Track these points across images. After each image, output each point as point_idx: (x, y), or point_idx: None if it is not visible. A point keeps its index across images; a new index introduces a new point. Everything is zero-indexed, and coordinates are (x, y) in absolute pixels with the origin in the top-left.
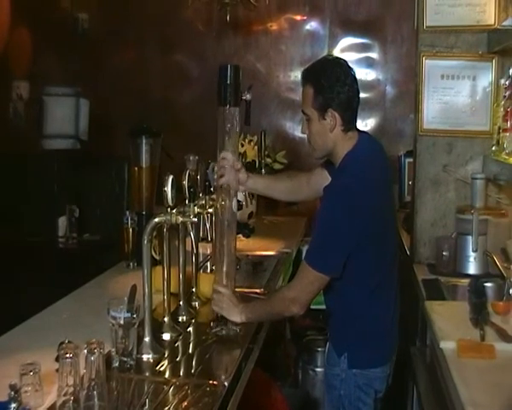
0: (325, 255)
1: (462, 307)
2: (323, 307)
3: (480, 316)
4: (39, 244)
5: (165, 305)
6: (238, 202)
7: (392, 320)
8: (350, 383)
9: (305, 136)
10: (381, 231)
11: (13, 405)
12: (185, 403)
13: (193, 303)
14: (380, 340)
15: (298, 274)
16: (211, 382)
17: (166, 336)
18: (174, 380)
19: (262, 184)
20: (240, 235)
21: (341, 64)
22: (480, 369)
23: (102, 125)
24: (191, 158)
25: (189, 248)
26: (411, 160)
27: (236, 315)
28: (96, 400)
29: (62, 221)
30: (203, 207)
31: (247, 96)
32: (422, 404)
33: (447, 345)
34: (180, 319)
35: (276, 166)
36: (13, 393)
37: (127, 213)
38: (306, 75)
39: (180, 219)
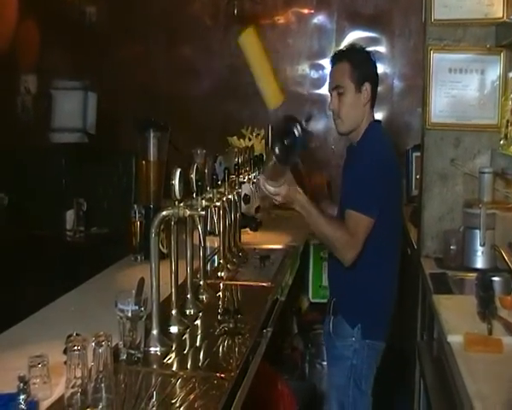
0: (366, 200)
1: (470, 301)
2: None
3: (487, 310)
4: (47, 238)
5: (173, 298)
6: (245, 195)
7: (394, 296)
8: (363, 353)
9: (331, 114)
10: (396, 207)
11: (21, 396)
12: (192, 396)
13: (200, 296)
14: (387, 313)
15: (347, 221)
16: (218, 375)
17: (174, 329)
18: (181, 373)
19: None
20: (247, 228)
21: (364, 48)
22: (487, 363)
23: (110, 118)
24: (199, 152)
25: (196, 241)
26: (419, 154)
27: (301, 201)
28: (103, 392)
29: (70, 215)
30: (211, 200)
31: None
32: (429, 397)
33: (454, 339)
34: (188, 312)
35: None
36: (21, 385)
37: (135, 206)
38: (340, 54)
39: (188, 212)
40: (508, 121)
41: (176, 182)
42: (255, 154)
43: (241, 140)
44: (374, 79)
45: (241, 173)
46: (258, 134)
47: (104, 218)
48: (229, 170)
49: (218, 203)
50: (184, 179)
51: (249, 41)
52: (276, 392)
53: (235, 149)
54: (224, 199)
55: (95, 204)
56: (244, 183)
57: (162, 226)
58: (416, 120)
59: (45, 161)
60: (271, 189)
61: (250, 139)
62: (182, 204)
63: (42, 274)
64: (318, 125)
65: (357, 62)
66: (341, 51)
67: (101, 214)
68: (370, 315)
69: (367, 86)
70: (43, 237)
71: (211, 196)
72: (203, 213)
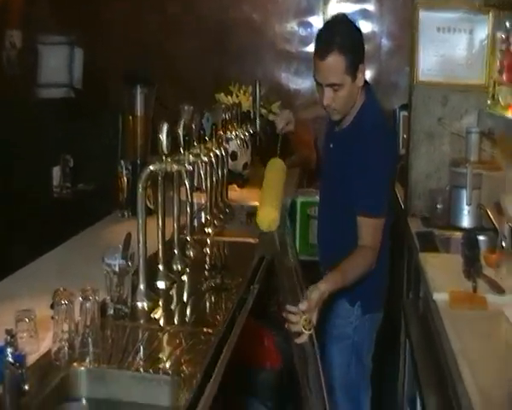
0: (380, 200)
1: (456, 260)
2: (316, 258)
3: (472, 268)
4: (33, 194)
5: (160, 253)
6: (233, 152)
7: (389, 265)
8: (363, 329)
9: (320, 102)
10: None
11: (9, 350)
12: (179, 350)
13: (187, 252)
14: (384, 283)
15: (363, 230)
16: (205, 330)
17: (161, 285)
18: (168, 328)
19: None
20: (234, 185)
21: (348, 19)
22: (472, 320)
23: (97, 74)
24: (186, 108)
25: (183, 197)
26: (406, 113)
27: (327, 287)
28: (90, 346)
29: (56, 171)
30: (198, 155)
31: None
32: (415, 355)
33: (440, 296)
34: (175, 268)
35: (271, 116)
36: (9, 338)
37: (121, 162)
38: (330, 45)
39: (175, 167)
40: (495, 81)
41: (163, 137)
42: (242, 110)
43: (229, 97)
44: (364, 52)
45: (229, 129)
46: (246, 91)
47: (91, 174)
48: (217, 126)
49: (205, 158)
50: (172, 135)
51: (275, 168)
52: (263, 348)
53: (223, 106)
54: (212, 154)
55: (81, 160)
56: (231, 139)
57: (149, 182)
58: (403, 79)
59: (31, 116)
60: (305, 305)
61: (237, 96)
62: (169, 159)
63: (28, 230)
64: (305, 83)
65: (351, 50)
66: (330, 41)
67: (87, 170)
68: (369, 291)
69: (361, 68)
70: (30, 193)
71: (198, 151)
72: (190, 167)
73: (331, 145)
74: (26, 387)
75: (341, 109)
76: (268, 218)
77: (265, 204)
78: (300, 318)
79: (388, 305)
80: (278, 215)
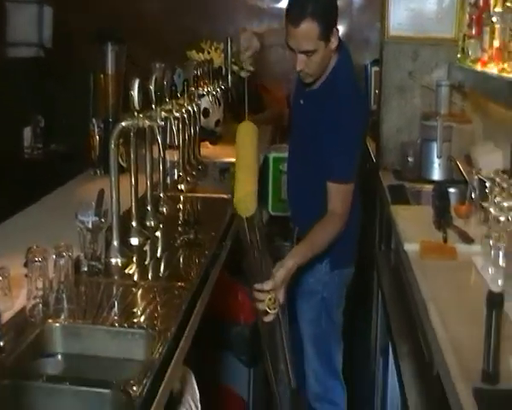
0: (350, 166)
1: (426, 211)
2: (287, 214)
3: (442, 219)
4: (4, 155)
5: (133, 210)
6: (205, 109)
7: (359, 219)
8: (332, 285)
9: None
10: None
11: None
12: (153, 305)
13: (160, 209)
14: (353, 239)
15: (333, 196)
16: (179, 284)
17: (134, 241)
18: (142, 283)
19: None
20: (206, 142)
21: None
22: (442, 269)
23: (67, 33)
24: (157, 65)
25: (155, 155)
26: (377, 68)
27: (295, 263)
28: (65, 303)
29: (27, 132)
30: (170, 111)
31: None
32: (387, 306)
33: (411, 247)
34: (148, 224)
35: (243, 73)
36: None
37: (93, 120)
38: (302, 12)
39: (147, 122)
40: (465, 35)
41: (135, 93)
42: (214, 67)
43: (200, 54)
44: (337, 15)
45: (201, 86)
46: (218, 48)
47: (62, 134)
48: (189, 82)
49: (177, 114)
50: (143, 91)
51: (246, 133)
52: (236, 303)
53: (194, 62)
54: (184, 110)
55: (52, 120)
56: (203, 95)
57: (121, 140)
58: (374, 34)
59: (0, 76)
60: (270, 285)
61: (209, 53)
62: (141, 115)
63: None
64: (277, 39)
65: (324, 16)
66: (303, 7)
67: (59, 131)
68: (338, 247)
69: (335, 31)
70: (0, 154)
71: (170, 107)
72: (162, 123)
73: (301, 101)
74: (1, 343)
75: (314, 73)
76: (246, 205)
77: (242, 189)
78: (266, 298)
79: (361, 257)
80: (255, 200)
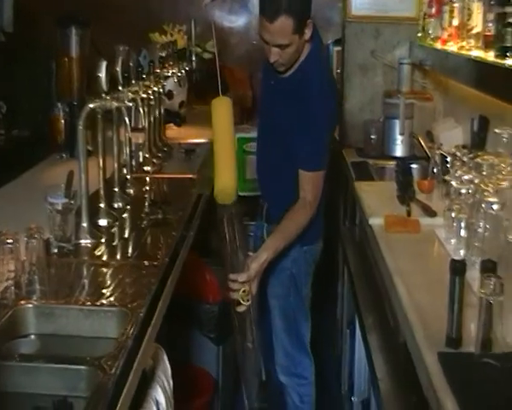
0: (320, 153)
1: (390, 187)
2: (256, 193)
3: (406, 194)
4: None
5: (102, 191)
6: (169, 91)
7: (325, 196)
8: (301, 261)
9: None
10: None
11: None
12: (124, 284)
13: (127, 190)
14: (320, 215)
15: (304, 183)
16: (148, 263)
17: (103, 222)
18: (112, 263)
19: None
20: (171, 124)
21: None
22: (406, 242)
23: (28, 16)
24: (121, 48)
25: (121, 137)
26: (339, 48)
27: (268, 255)
28: (37, 284)
29: None
30: (137, 92)
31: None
32: (353, 279)
33: (375, 221)
34: (116, 206)
35: (206, 55)
36: None
37: (58, 104)
38: (276, 9)
39: (115, 104)
40: (425, 14)
41: (102, 74)
42: (178, 49)
43: (163, 36)
44: (311, 6)
45: (165, 68)
46: (181, 30)
47: (25, 119)
48: (154, 64)
49: (144, 95)
50: (109, 74)
51: (221, 109)
52: (205, 282)
53: (158, 45)
54: (150, 92)
55: (15, 106)
56: (168, 77)
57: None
58: (336, 14)
59: None
60: (244, 277)
61: (172, 35)
62: (108, 97)
63: None
64: (239, 20)
65: (299, 10)
66: (278, 3)
67: (21, 116)
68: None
69: (309, 23)
70: None
71: (137, 88)
72: (130, 104)
73: (272, 82)
74: None
75: (287, 63)
76: (227, 193)
77: (223, 178)
78: (239, 288)
79: (326, 233)
80: (236, 186)
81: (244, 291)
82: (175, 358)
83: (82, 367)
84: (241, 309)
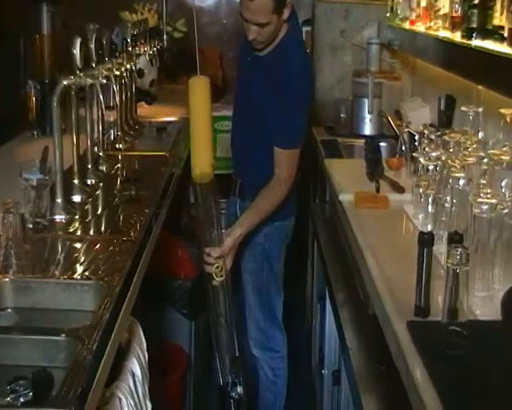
0: (297, 132)
1: (359, 164)
2: (227, 172)
3: (375, 171)
4: None
5: (75, 168)
6: (139, 69)
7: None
8: (273, 237)
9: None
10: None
11: None
12: (99, 258)
13: (100, 167)
14: (292, 192)
15: (279, 160)
16: (122, 239)
17: (77, 198)
18: (87, 238)
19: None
20: (142, 102)
21: None
22: (376, 217)
23: None
24: (91, 27)
25: (94, 116)
26: (309, 28)
27: (242, 230)
28: (13, 259)
29: None
30: (110, 70)
31: None
32: (323, 255)
33: (345, 197)
34: (89, 182)
35: (176, 34)
36: None
37: (29, 82)
38: None
39: (89, 80)
40: None
41: (76, 51)
42: (149, 27)
43: (134, 15)
44: None
45: (137, 46)
46: (151, 9)
47: None
48: (127, 42)
49: (117, 73)
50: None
51: (199, 89)
52: (177, 259)
53: (129, 24)
54: (123, 69)
55: None
56: (140, 55)
57: None
58: None
59: None
60: (217, 252)
61: (142, 14)
62: (82, 74)
63: None
64: (209, 0)
65: None
66: None
67: None
68: None
69: (288, 3)
70: None
71: (110, 65)
72: (105, 81)
73: (249, 59)
74: None
75: (266, 41)
76: (205, 173)
77: (198, 154)
78: (214, 263)
79: (298, 211)
80: (213, 165)
81: (218, 267)
82: (149, 333)
83: (60, 338)
84: (215, 283)
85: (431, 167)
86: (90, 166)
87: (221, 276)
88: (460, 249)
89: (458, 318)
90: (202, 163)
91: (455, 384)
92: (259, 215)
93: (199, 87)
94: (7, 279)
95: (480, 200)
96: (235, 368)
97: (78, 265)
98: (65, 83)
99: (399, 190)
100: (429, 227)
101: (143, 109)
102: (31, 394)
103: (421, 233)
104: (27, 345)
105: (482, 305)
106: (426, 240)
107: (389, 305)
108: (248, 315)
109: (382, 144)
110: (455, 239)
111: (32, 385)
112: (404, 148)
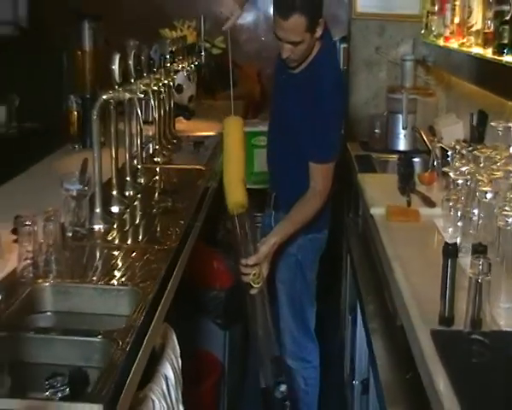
0: (331, 147)
1: (392, 179)
2: (264, 186)
3: (407, 185)
4: None
5: (114, 180)
6: (178, 85)
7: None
8: (306, 248)
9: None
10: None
11: None
12: (135, 266)
13: (138, 180)
14: (327, 206)
15: (315, 174)
16: (158, 247)
17: (115, 209)
18: (124, 246)
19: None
20: (181, 117)
21: None
22: (406, 230)
23: (41, 11)
24: (132, 43)
25: (133, 130)
26: (346, 45)
27: (276, 239)
28: (53, 264)
29: (2, 110)
30: (148, 85)
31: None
32: (355, 268)
33: (377, 211)
34: (127, 194)
35: (215, 51)
36: None
37: (71, 96)
38: (290, 7)
39: (127, 95)
40: (428, 11)
41: (116, 66)
42: (187, 44)
43: (173, 32)
44: (323, 5)
45: (176, 62)
46: (190, 26)
47: (37, 112)
48: (165, 58)
49: (155, 88)
50: (122, 67)
51: (234, 129)
52: (213, 270)
53: (168, 40)
54: (161, 84)
55: (27, 99)
56: (178, 71)
57: None
58: (343, 11)
59: None
60: (253, 260)
61: (181, 31)
62: (121, 88)
63: None
64: (248, 17)
65: (312, 9)
66: (292, 1)
67: (33, 109)
68: None
69: (320, 22)
70: None
71: (148, 81)
72: (142, 95)
73: (283, 76)
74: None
75: (299, 59)
76: (238, 203)
77: (233, 190)
78: (251, 272)
79: (332, 225)
80: (246, 196)
81: (255, 274)
82: (184, 342)
83: (96, 339)
84: (253, 291)
85: (460, 182)
86: (128, 179)
87: (258, 283)
88: (482, 260)
89: (482, 328)
90: (237, 197)
91: (476, 392)
92: (294, 226)
93: (232, 128)
94: (47, 284)
95: (505, 212)
96: (276, 368)
97: (114, 271)
98: (104, 97)
99: (430, 204)
100: (458, 240)
101: (181, 124)
102: (67, 389)
103: (446, 244)
104: (65, 345)
105: (507, 316)
106: (450, 251)
107: (414, 314)
108: (282, 326)
109: (416, 160)
110: (479, 250)
111: (69, 382)
112: (435, 163)
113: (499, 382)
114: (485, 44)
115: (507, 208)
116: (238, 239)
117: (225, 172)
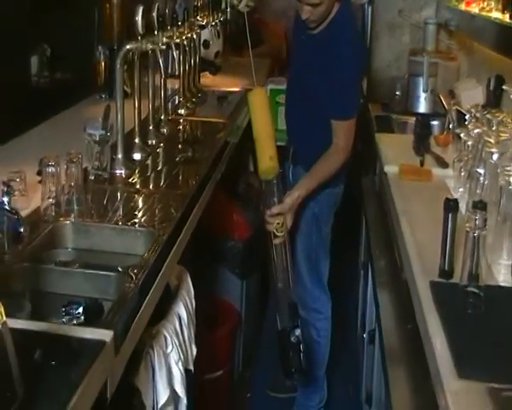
0: (351, 101)
1: (408, 139)
2: (283, 143)
3: (422, 145)
4: (12, 84)
5: (137, 128)
6: (205, 40)
7: None
8: (323, 202)
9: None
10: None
11: (5, 199)
12: (154, 208)
13: (161, 130)
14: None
15: (337, 131)
16: (177, 192)
17: (137, 156)
18: (144, 190)
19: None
20: (206, 72)
21: None
22: (417, 189)
23: None
24: None
25: (157, 83)
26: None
27: (301, 192)
28: (75, 204)
29: (34, 61)
30: (171, 37)
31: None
32: (369, 225)
33: (391, 169)
34: (150, 143)
35: (242, 7)
36: (6, 188)
37: (99, 47)
38: None
39: (150, 46)
40: None
41: (139, 18)
42: None
43: None
44: None
45: (201, 17)
46: None
47: (68, 63)
48: (189, 12)
49: (177, 40)
50: (146, 19)
51: (258, 101)
52: (232, 221)
53: None
54: (184, 38)
55: (58, 49)
56: (204, 27)
57: (125, 66)
58: None
59: (7, 5)
60: (278, 209)
61: None
62: (144, 39)
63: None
64: None
65: None
66: None
67: (65, 59)
68: None
69: None
70: (9, 83)
71: (171, 33)
72: (164, 47)
73: (303, 37)
74: (22, 230)
75: (318, 20)
76: (270, 170)
77: (264, 157)
78: (275, 221)
79: (351, 183)
80: (277, 163)
81: (278, 223)
82: (202, 289)
83: (111, 274)
84: (277, 241)
85: (470, 143)
86: (151, 128)
87: (281, 232)
88: (478, 214)
89: (479, 282)
90: (267, 163)
91: (467, 339)
92: (317, 180)
93: (257, 100)
94: (68, 222)
95: (507, 172)
96: (292, 313)
97: (133, 213)
98: (127, 47)
99: (443, 164)
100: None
101: (207, 79)
102: (82, 317)
103: (447, 199)
104: (82, 278)
105: (505, 272)
106: (450, 206)
107: (416, 266)
108: (296, 277)
109: (434, 122)
110: (478, 207)
111: (84, 311)
112: (451, 125)
113: (488, 331)
114: (504, 9)
115: (509, 168)
116: (262, 189)
117: (255, 142)
